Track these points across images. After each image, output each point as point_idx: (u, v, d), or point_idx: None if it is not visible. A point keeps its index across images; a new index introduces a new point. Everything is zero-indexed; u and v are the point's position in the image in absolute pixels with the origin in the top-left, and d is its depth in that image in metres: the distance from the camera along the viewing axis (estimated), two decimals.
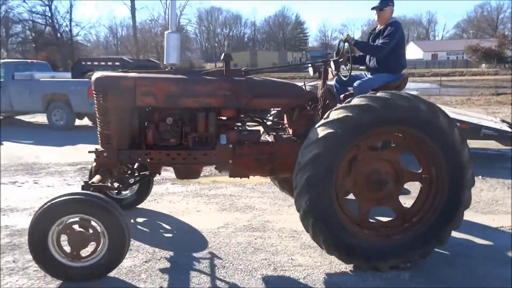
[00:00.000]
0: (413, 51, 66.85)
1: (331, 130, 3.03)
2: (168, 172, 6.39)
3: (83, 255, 3.07)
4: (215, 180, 6.06)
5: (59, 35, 49.02)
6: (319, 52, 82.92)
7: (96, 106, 3.65)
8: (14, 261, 3.42)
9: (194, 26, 71.79)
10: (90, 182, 3.41)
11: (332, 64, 3.86)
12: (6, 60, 12.83)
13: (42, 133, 10.43)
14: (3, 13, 47.52)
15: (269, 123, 4.28)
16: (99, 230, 3.03)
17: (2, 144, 8.78)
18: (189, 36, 63.26)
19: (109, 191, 4.38)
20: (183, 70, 3.83)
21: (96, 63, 12.01)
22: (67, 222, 3.01)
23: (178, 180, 5.94)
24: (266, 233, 4.05)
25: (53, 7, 48.15)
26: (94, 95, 3.63)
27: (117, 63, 11.29)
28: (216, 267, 3.36)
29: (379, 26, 4.39)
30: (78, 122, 11.50)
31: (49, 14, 48.39)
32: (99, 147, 3.72)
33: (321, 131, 3.07)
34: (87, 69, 11.94)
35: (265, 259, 3.52)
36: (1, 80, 11.08)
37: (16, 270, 3.28)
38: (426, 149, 3.30)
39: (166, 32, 3.78)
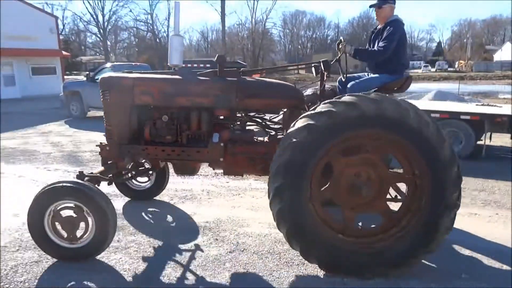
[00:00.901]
0: (509, 53, 59.58)
1: (287, 156, 2.98)
2: None
3: (72, 237, 3.37)
4: None
5: (158, 40, 53.26)
6: None
7: (102, 103, 3.95)
8: (118, 241, 3.87)
9: (278, 29, 72.70)
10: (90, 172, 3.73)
11: (321, 65, 3.77)
12: (115, 63, 14.39)
13: None
14: (113, 22, 53.25)
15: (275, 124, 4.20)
16: (87, 216, 3.31)
17: None
18: (273, 39, 64.16)
19: (129, 182, 4.85)
20: (182, 71, 3.97)
21: (189, 65, 12.92)
22: (60, 207, 3.32)
23: (261, 176, 6.17)
24: None
25: (154, 15, 52.69)
26: (100, 94, 3.93)
27: (208, 65, 12.02)
28: (296, 264, 3.44)
29: (379, 25, 4.18)
30: None
31: (151, 22, 52.94)
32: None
33: (279, 155, 3.03)
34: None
35: None
36: None
37: (120, 249, 3.72)
38: (404, 150, 3.07)
39: (170, 35, 3.87)
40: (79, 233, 3.37)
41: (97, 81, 13.14)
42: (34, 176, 6.21)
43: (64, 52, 27.53)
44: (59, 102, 14.01)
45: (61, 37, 28.97)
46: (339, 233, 3.21)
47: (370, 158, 3.15)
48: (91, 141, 9.31)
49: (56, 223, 3.35)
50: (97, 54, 57.54)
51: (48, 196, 3.29)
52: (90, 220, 3.32)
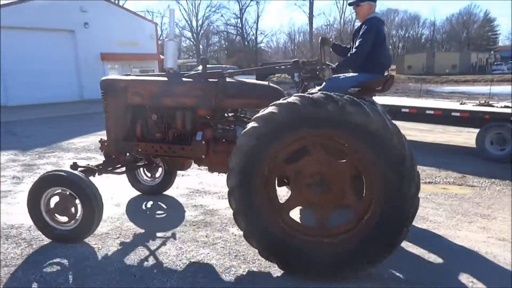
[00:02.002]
0: None
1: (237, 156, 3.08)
2: None
3: (64, 220, 3.73)
4: None
5: (246, 43, 54.91)
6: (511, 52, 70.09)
7: (102, 103, 4.29)
8: (206, 236, 4.03)
9: None
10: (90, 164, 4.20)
11: (293, 65, 3.88)
12: (207, 65, 15.08)
13: None
14: (205, 27, 56.17)
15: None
16: (77, 202, 3.64)
17: None
18: None
19: (140, 178, 5.27)
20: (172, 73, 4.13)
21: (277, 67, 12.96)
22: (54, 192, 3.68)
23: None
24: (438, 249, 3.72)
25: (243, 19, 54.42)
26: (101, 95, 4.27)
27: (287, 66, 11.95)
28: (385, 278, 3.26)
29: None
30: None
31: (240, 25, 54.79)
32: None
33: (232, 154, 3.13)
34: (269, 72, 13.01)
35: None
36: None
37: (208, 244, 3.85)
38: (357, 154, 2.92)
39: (165, 40, 4.14)
40: (68, 217, 3.73)
41: None
42: None
43: (161, 56, 29.64)
44: None
45: (159, 42, 31.25)
46: (295, 230, 3.21)
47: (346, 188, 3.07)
48: None
49: (51, 207, 3.73)
50: (190, 57, 61.12)
51: (44, 183, 3.70)
52: (79, 207, 3.66)
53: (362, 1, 4.08)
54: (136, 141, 4.18)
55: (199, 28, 56.12)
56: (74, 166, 3.98)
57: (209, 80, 3.90)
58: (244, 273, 3.31)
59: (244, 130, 3.08)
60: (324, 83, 3.98)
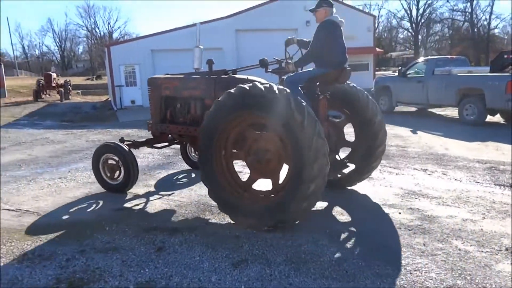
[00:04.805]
0: None
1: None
2: None
3: (114, 176, 5.35)
4: None
5: (475, 30, 47.93)
6: None
7: (148, 96, 5.59)
8: (424, 245, 3.61)
9: None
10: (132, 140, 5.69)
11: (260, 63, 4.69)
12: (429, 57, 13.77)
13: (452, 126, 10.59)
14: (427, 15, 51.75)
15: None
16: (120, 164, 5.20)
17: (416, 133, 9.62)
18: None
19: (190, 154, 6.63)
20: (192, 72, 5.45)
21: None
22: (108, 157, 5.28)
23: None
24: None
25: (474, 2, 47.55)
26: (148, 89, 5.59)
27: None
28: None
29: None
30: (489, 118, 10.85)
31: (469, 10, 48.17)
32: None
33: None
34: (508, 63, 10.92)
35: None
36: (422, 75, 12.13)
37: (426, 254, 3.44)
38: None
39: (194, 47, 5.40)
40: (116, 175, 5.32)
41: (409, 76, 13.33)
42: None
43: (377, 49, 28.92)
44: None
45: (375, 35, 30.57)
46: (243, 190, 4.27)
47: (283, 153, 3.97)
48: (397, 135, 9.33)
49: (105, 167, 5.33)
50: (406, 49, 57.54)
51: (101, 150, 5.31)
52: (122, 169, 5.20)
53: (319, 7, 4.72)
54: (167, 124, 5.42)
55: (419, 17, 52.15)
56: (121, 140, 5.39)
57: (211, 76, 4.90)
58: None
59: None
60: (287, 76, 4.65)
